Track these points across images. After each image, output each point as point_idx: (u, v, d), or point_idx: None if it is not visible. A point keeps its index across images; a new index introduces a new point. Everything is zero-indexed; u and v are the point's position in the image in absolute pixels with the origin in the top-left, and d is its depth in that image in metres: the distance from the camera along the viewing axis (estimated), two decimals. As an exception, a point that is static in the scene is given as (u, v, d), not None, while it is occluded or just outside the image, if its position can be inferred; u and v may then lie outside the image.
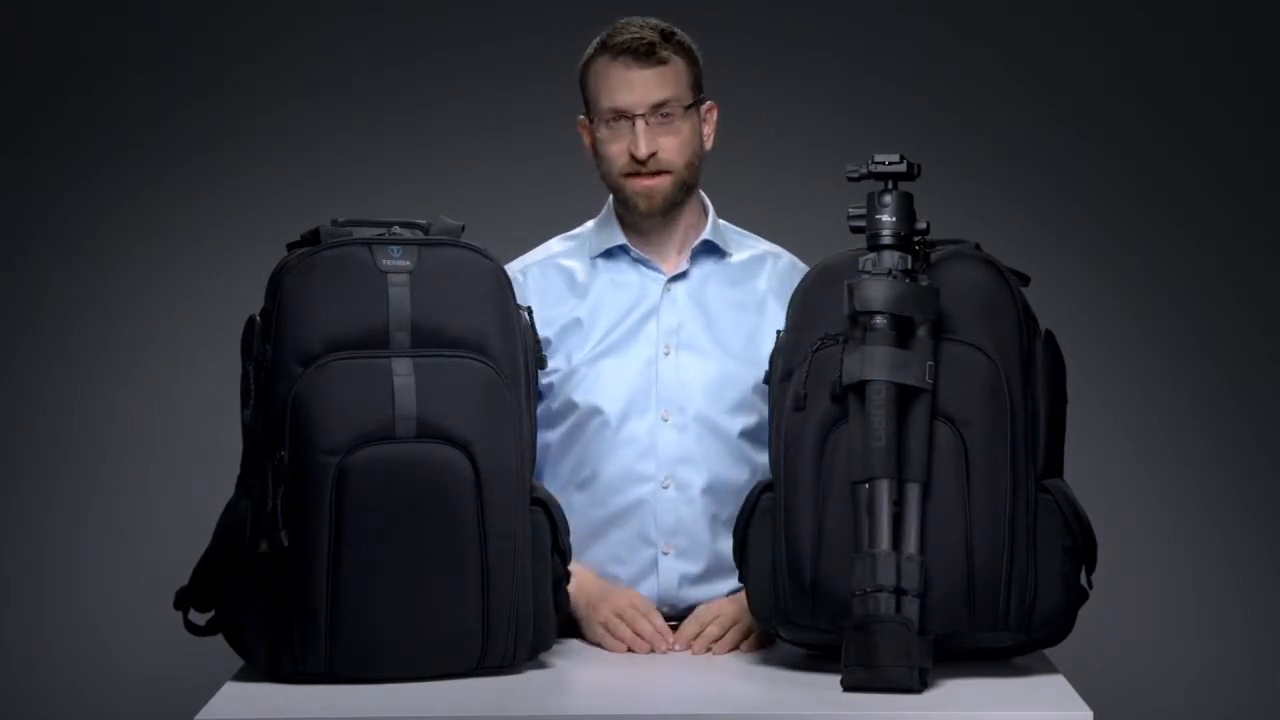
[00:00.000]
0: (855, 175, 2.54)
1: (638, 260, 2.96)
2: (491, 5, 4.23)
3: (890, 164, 2.51)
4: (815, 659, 2.53)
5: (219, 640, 2.50)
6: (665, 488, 2.87)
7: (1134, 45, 4.20)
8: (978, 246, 2.59)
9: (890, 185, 2.51)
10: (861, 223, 2.51)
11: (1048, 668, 2.52)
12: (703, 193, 3.00)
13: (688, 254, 2.96)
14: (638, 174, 2.88)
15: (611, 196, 2.97)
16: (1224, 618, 4.16)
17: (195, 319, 4.07)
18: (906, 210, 2.50)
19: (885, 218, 2.49)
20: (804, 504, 2.48)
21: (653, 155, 2.86)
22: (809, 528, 2.47)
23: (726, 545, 2.73)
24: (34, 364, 4.18)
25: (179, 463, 4.08)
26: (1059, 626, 2.49)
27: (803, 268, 2.95)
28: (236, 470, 2.52)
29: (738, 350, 2.91)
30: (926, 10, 4.20)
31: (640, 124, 2.86)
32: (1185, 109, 4.19)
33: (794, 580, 2.48)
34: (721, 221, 3.01)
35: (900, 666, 2.35)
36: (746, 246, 3.01)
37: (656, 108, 2.86)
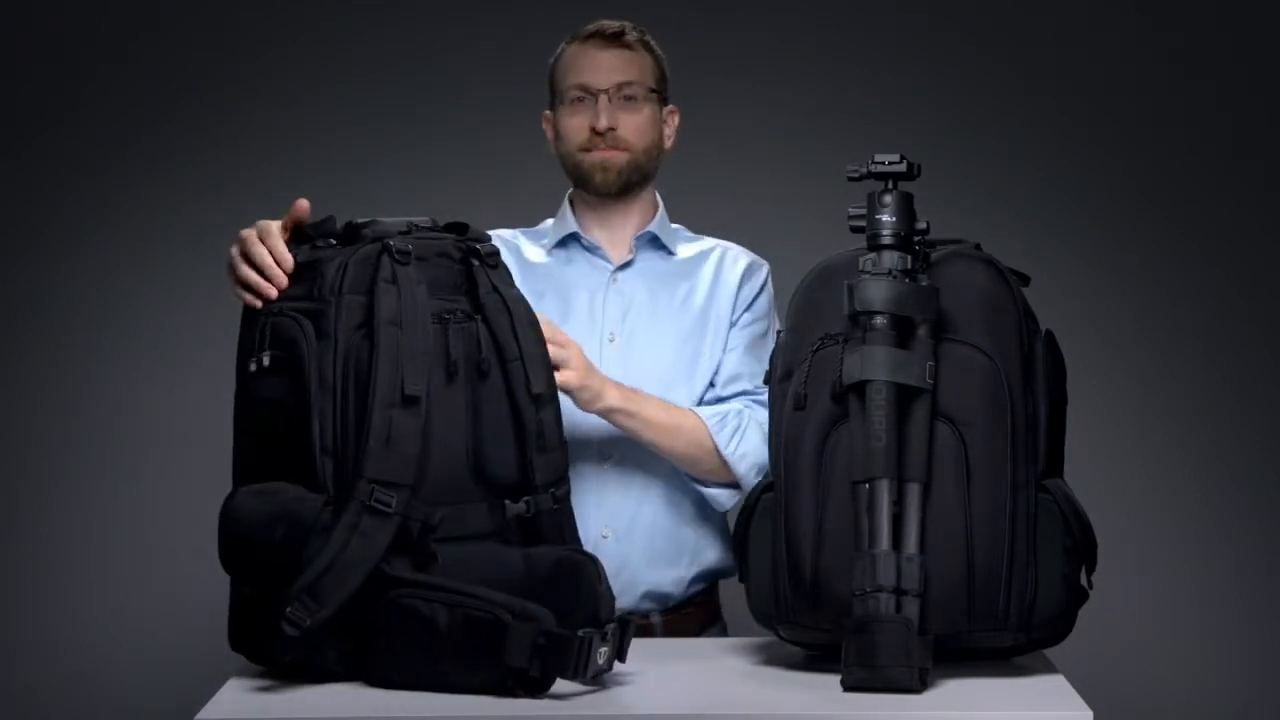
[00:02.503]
0: (855, 175, 2.53)
1: (588, 248, 2.98)
2: (492, 6, 4.24)
3: (890, 164, 2.51)
4: (815, 659, 2.53)
5: (219, 640, 2.50)
6: (603, 466, 2.91)
7: (1134, 45, 4.20)
8: (978, 246, 2.58)
9: (890, 185, 2.50)
10: (861, 223, 2.51)
11: (1048, 668, 2.51)
12: (658, 194, 3.03)
13: (633, 244, 2.99)
14: (596, 147, 2.91)
15: (570, 190, 3.00)
16: (1224, 618, 4.16)
17: (195, 319, 4.07)
18: (906, 210, 2.49)
19: (885, 218, 2.48)
20: (804, 504, 2.48)
21: (612, 130, 2.91)
22: (809, 528, 2.47)
23: (667, 525, 2.88)
24: (34, 364, 4.18)
25: (180, 462, 4.08)
26: (1059, 626, 2.49)
27: (748, 259, 2.98)
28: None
29: (676, 343, 2.94)
30: (927, 10, 4.21)
31: (603, 99, 2.93)
32: (1185, 109, 4.19)
33: (794, 580, 2.47)
34: (675, 225, 3.05)
35: (900, 666, 2.34)
36: (693, 245, 3.04)
37: (620, 87, 2.92)
